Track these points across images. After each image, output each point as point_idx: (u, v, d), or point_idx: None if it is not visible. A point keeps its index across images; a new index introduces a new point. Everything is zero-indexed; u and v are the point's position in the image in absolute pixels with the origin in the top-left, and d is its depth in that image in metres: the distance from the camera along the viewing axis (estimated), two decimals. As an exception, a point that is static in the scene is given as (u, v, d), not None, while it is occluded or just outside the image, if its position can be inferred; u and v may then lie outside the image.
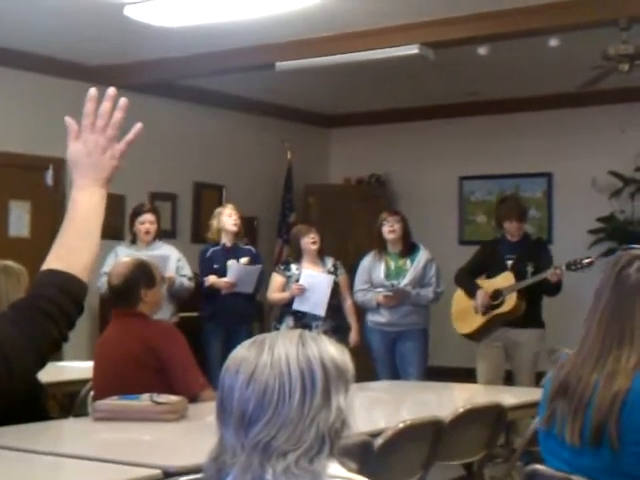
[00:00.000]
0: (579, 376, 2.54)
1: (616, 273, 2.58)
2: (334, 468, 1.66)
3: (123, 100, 2.15)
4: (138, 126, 2.15)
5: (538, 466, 2.69)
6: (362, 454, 3.13)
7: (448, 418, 3.79)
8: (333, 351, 1.72)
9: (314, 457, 1.63)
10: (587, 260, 6.54)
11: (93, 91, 2.13)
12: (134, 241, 7.33)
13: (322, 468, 1.63)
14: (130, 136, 2.17)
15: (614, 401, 2.44)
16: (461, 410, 3.90)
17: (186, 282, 7.27)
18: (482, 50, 7.36)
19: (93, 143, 2.15)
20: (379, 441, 3.37)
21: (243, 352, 1.72)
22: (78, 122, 2.16)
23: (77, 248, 2.11)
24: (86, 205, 2.15)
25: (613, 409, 2.43)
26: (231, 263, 7.31)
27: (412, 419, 3.61)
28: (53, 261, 2.11)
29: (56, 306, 2.04)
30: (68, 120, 2.16)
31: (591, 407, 2.48)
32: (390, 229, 7.10)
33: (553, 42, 7.08)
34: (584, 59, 7.04)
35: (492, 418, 4.13)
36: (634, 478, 2.45)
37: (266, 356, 1.68)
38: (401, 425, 3.48)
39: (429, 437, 3.71)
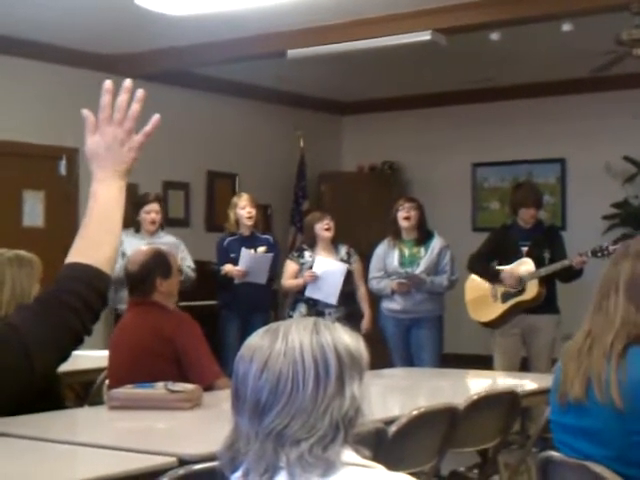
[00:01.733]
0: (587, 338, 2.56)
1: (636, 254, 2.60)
2: (348, 455, 1.67)
3: (140, 92, 2.16)
4: (156, 117, 2.15)
5: (552, 453, 2.70)
6: (376, 441, 3.13)
7: (462, 405, 3.79)
8: (347, 339, 1.72)
9: (328, 445, 1.64)
10: (613, 247, 6.47)
11: (109, 83, 2.13)
12: (138, 230, 7.27)
13: (336, 456, 1.64)
14: (148, 128, 2.17)
15: (610, 357, 2.46)
16: (475, 397, 3.89)
17: (190, 273, 7.25)
18: (494, 36, 7.34)
19: (111, 136, 2.16)
20: (393, 428, 3.37)
21: (257, 340, 1.72)
22: (94, 112, 2.17)
23: (100, 241, 2.13)
24: (106, 198, 2.16)
25: (611, 364, 2.45)
26: (244, 252, 7.32)
27: (426, 406, 3.61)
28: (77, 254, 2.12)
29: (82, 300, 2.05)
30: (86, 113, 2.16)
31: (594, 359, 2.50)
32: (406, 215, 7.07)
33: (566, 27, 7.06)
34: (597, 44, 7.01)
35: (507, 405, 4.13)
36: None
37: (280, 344, 1.68)
38: (415, 412, 3.48)
39: (443, 424, 3.71)
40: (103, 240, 2.12)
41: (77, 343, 2.09)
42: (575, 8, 6.74)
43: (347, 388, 1.67)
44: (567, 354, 2.60)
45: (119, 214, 2.16)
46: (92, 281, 2.06)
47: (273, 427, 1.64)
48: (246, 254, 7.31)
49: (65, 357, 2.10)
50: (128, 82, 2.14)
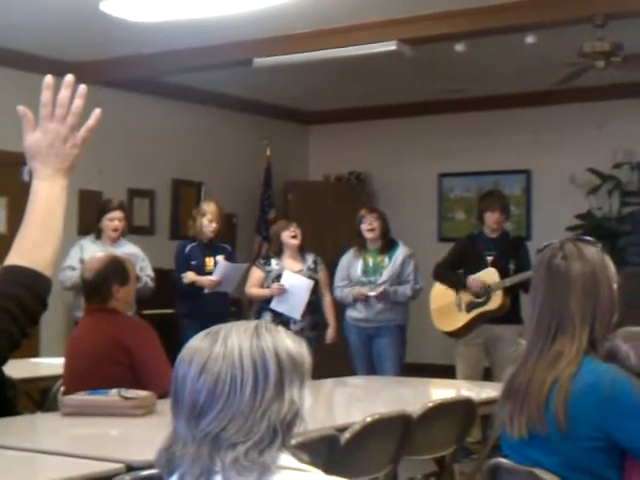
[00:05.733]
0: (523, 373, 2.55)
1: (545, 267, 2.61)
2: (285, 459, 1.66)
3: (82, 87, 2.13)
4: (97, 111, 2.12)
5: (501, 460, 2.70)
6: (328, 449, 3.13)
7: (417, 413, 3.79)
8: (289, 343, 1.71)
9: (264, 449, 1.63)
10: None
11: (49, 79, 2.10)
12: (99, 236, 7.23)
13: (272, 460, 1.63)
14: (90, 122, 2.14)
15: (557, 383, 2.46)
16: (430, 405, 3.90)
17: (149, 282, 7.22)
18: (459, 47, 7.36)
19: (54, 133, 2.12)
20: (346, 435, 3.37)
21: (197, 343, 1.72)
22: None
23: (41, 242, 2.08)
24: (48, 197, 2.12)
25: (558, 393, 2.44)
26: (221, 262, 7.28)
27: (380, 413, 3.61)
28: (17, 256, 2.08)
29: (19, 305, 2.02)
30: (23, 110, 2.12)
31: (533, 394, 2.50)
32: (369, 227, 7.09)
33: (530, 39, 7.09)
34: (561, 56, 7.07)
35: (462, 412, 4.13)
36: (591, 473, 2.46)
37: (219, 347, 1.68)
38: (369, 419, 3.47)
39: (398, 431, 3.70)
40: (45, 240, 2.08)
41: (14, 347, 2.06)
42: (539, 20, 6.78)
43: (286, 392, 1.67)
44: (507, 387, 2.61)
45: (61, 214, 2.13)
46: (32, 285, 2.03)
47: (209, 430, 1.63)
48: (223, 264, 7.28)
49: (2, 361, 2.07)
50: (69, 77, 2.11)
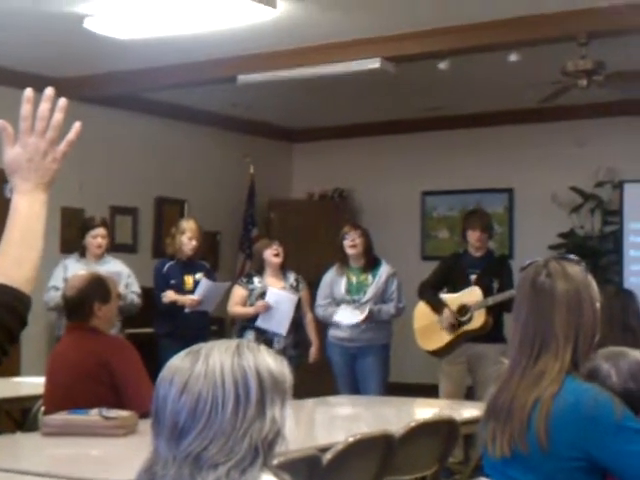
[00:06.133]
0: (506, 392, 2.54)
1: (530, 285, 2.60)
2: (266, 479, 1.64)
3: (62, 100, 2.10)
4: (77, 125, 2.09)
5: (483, 479, 2.68)
6: (310, 469, 3.10)
7: (399, 432, 3.77)
8: (270, 362, 1.70)
9: (246, 468, 1.62)
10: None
11: (29, 92, 2.07)
12: (83, 254, 7.18)
13: (254, 479, 1.61)
14: (71, 135, 2.11)
15: (538, 402, 2.44)
16: (412, 424, 3.88)
17: (136, 299, 7.14)
18: (442, 65, 7.37)
19: (34, 147, 2.09)
20: (328, 456, 3.34)
21: (178, 362, 1.71)
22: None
23: (20, 259, 2.06)
24: (28, 213, 2.09)
25: (540, 412, 2.43)
26: (203, 281, 7.22)
27: (362, 433, 3.58)
28: None
29: None
30: (2, 124, 2.09)
31: (515, 414, 2.48)
32: (351, 244, 7.08)
33: (513, 57, 7.10)
34: (544, 74, 7.08)
35: (444, 432, 4.11)
36: None
37: (200, 366, 1.66)
38: (351, 439, 3.45)
39: (379, 451, 3.68)
40: (24, 257, 2.06)
41: None
42: (521, 38, 6.80)
43: (268, 411, 1.65)
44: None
45: (41, 231, 2.10)
46: (10, 302, 2.00)
47: (191, 450, 1.62)
48: (205, 283, 7.22)
49: None
50: (49, 90, 2.09)
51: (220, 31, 6.88)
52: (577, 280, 2.58)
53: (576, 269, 2.60)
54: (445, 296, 7.00)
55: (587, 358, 2.54)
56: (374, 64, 7.26)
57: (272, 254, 7.15)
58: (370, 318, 6.99)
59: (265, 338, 6.91)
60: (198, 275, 7.33)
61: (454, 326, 6.84)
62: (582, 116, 9.54)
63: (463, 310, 6.84)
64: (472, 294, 6.84)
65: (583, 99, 8.28)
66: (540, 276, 2.59)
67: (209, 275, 7.46)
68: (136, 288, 7.21)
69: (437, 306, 6.93)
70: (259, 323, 7.04)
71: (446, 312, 6.84)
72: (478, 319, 6.80)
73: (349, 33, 7.11)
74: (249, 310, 7.10)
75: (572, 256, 2.68)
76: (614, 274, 9.10)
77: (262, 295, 7.09)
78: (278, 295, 7.08)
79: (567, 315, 2.53)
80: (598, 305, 2.59)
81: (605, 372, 2.51)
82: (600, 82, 6.74)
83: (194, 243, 7.32)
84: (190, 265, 7.38)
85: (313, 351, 7.22)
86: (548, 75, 6.93)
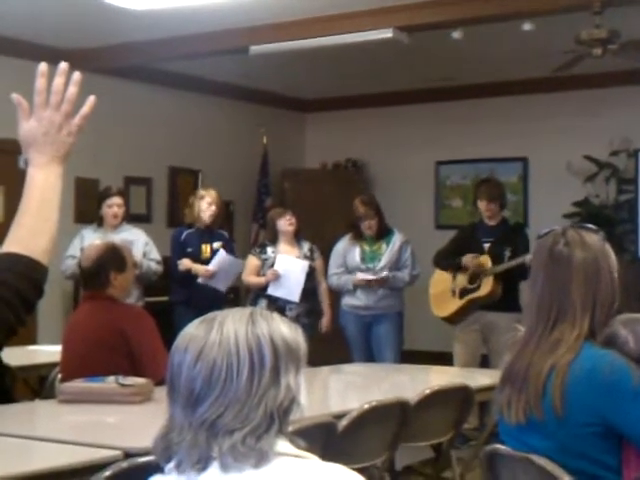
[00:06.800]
0: (522, 359, 2.55)
1: (547, 253, 2.60)
2: (282, 446, 1.66)
3: (77, 74, 2.12)
4: (91, 98, 2.11)
5: (498, 446, 2.71)
6: (325, 436, 3.13)
7: (414, 399, 3.79)
8: (284, 330, 1.72)
9: (262, 435, 1.64)
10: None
11: (43, 66, 2.09)
12: (101, 224, 7.20)
13: (269, 446, 1.64)
14: (85, 109, 2.13)
15: (554, 369, 2.46)
16: (427, 392, 3.90)
17: (154, 266, 7.15)
18: (456, 34, 7.33)
19: (48, 121, 2.11)
20: (343, 422, 3.37)
21: (192, 330, 1.72)
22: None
23: (37, 230, 2.08)
24: (44, 185, 2.12)
25: (556, 379, 2.45)
26: (221, 252, 7.20)
27: (377, 400, 3.61)
28: (13, 243, 2.08)
29: (15, 292, 2.01)
30: (17, 98, 2.11)
31: (531, 380, 2.50)
32: (368, 227, 7.12)
33: (527, 26, 7.07)
34: (558, 43, 7.04)
35: (459, 399, 4.14)
36: (588, 458, 2.47)
37: (215, 334, 1.68)
38: (366, 406, 3.48)
39: (395, 418, 3.71)
40: (41, 228, 2.08)
41: (9, 334, 2.06)
42: (536, 7, 6.76)
43: (282, 379, 1.67)
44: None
45: (57, 202, 2.12)
46: (28, 272, 2.03)
47: (206, 417, 1.64)
48: (222, 255, 7.19)
49: None
50: (64, 64, 2.10)
51: (233, 1, 6.86)
52: (595, 249, 2.58)
53: (594, 238, 2.60)
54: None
55: (605, 326, 2.55)
56: (387, 34, 7.23)
57: (286, 223, 7.16)
58: (383, 282, 7.00)
59: (277, 306, 6.93)
60: (216, 244, 7.31)
61: (465, 290, 6.85)
62: (597, 85, 9.48)
63: (473, 277, 6.86)
64: (482, 262, 6.85)
65: (597, 68, 8.23)
66: (558, 245, 2.59)
67: (227, 245, 7.41)
68: (155, 255, 7.22)
69: (455, 266, 6.93)
70: (270, 291, 7.06)
71: (466, 258, 6.82)
72: (485, 286, 6.82)
73: (362, 3, 7.08)
74: (261, 279, 7.12)
75: (590, 225, 2.69)
76: (629, 243, 9.08)
77: (274, 265, 7.11)
78: (288, 262, 7.08)
79: (585, 284, 2.54)
80: (616, 274, 2.59)
81: (623, 338, 2.52)
82: (615, 51, 6.70)
83: (213, 208, 7.29)
84: (208, 233, 7.35)
85: (325, 320, 7.25)
86: (562, 44, 6.89)
